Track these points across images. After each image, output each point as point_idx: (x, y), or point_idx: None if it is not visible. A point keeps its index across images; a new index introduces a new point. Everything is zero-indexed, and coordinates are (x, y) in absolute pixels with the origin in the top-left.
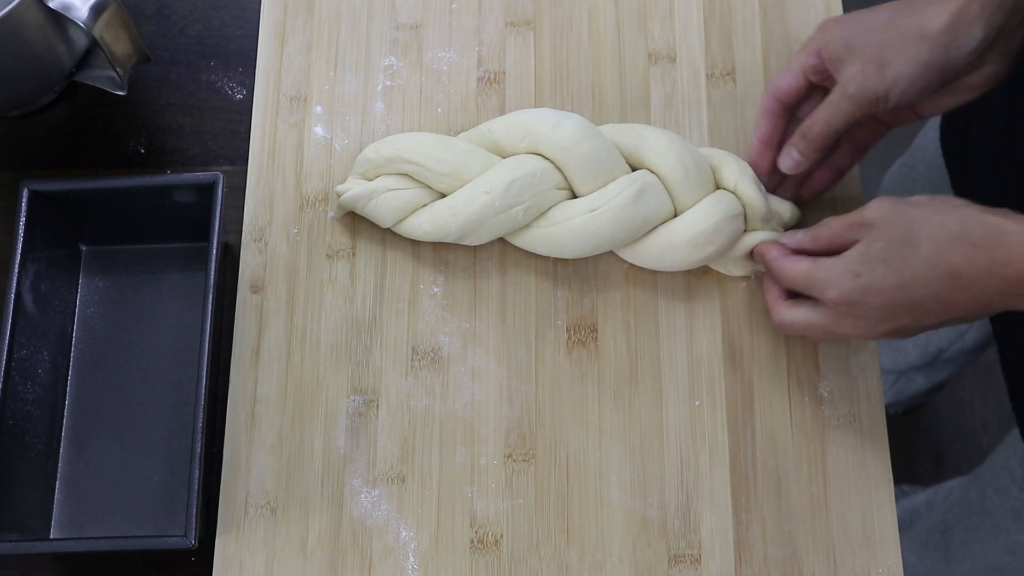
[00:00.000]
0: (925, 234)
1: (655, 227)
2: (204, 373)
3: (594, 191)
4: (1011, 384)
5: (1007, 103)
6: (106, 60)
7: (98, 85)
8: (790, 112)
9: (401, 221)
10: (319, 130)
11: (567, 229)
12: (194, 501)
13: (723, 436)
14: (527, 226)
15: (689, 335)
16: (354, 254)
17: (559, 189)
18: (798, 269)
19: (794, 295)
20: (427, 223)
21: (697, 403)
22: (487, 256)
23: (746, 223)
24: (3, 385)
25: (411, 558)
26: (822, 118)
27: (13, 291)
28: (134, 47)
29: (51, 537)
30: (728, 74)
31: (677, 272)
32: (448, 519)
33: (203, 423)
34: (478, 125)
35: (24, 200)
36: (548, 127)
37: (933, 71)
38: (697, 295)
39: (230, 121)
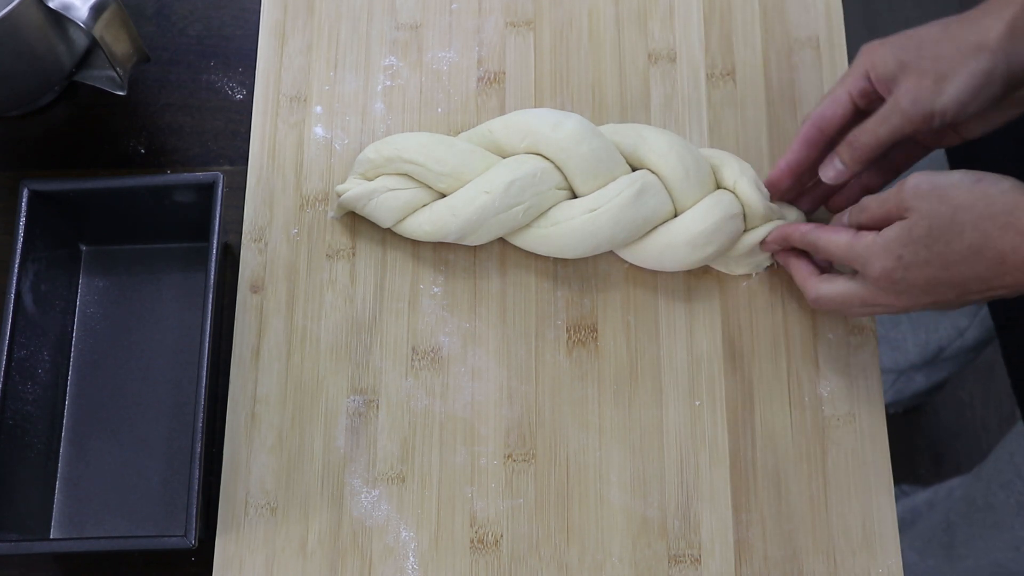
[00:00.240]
0: (970, 220)
1: (655, 227)
2: (204, 373)
3: (594, 191)
4: (1014, 377)
5: None
6: (106, 60)
7: (98, 85)
8: (830, 142)
9: (401, 221)
10: (319, 130)
11: (567, 229)
12: (194, 501)
13: (723, 436)
14: (527, 226)
15: (689, 335)
16: (354, 254)
17: (559, 189)
18: (837, 241)
19: (824, 271)
20: (427, 223)
21: (697, 403)
22: (487, 256)
23: (746, 222)
24: (3, 385)
25: (411, 558)
26: (871, 129)
27: (13, 291)
28: (134, 47)
29: (51, 537)
30: (728, 74)
31: (677, 272)
32: (448, 519)
33: (203, 423)
34: (478, 125)
35: (24, 200)
36: (548, 127)
37: (994, 82)
38: (697, 295)
39: (230, 121)
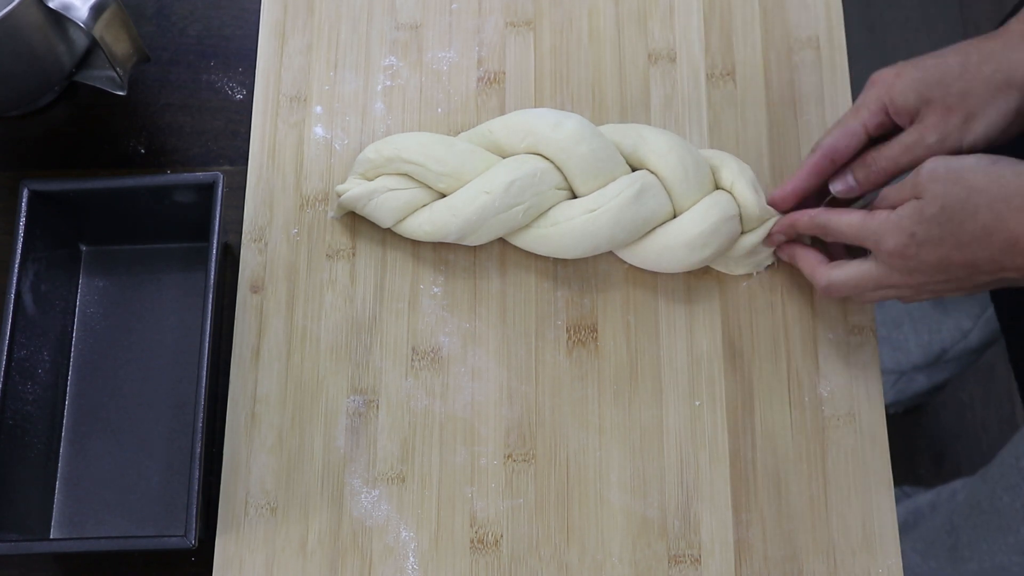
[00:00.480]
0: (984, 201)
1: (654, 228)
2: (204, 373)
3: (594, 191)
4: (1021, 379)
5: None
6: (106, 60)
7: (98, 85)
8: (839, 170)
9: (401, 221)
10: (319, 130)
11: (567, 229)
12: (194, 501)
13: (723, 436)
14: (527, 226)
15: (689, 335)
16: (354, 254)
17: (559, 189)
18: (850, 220)
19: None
20: (427, 223)
21: (697, 403)
22: (487, 256)
23: (743, 224)
24: (3, 385)
25: (411, 558)
26: (892, 157)
27: (13, 291)
28: (134, 47)
29: (51, 537)
30: (728, 74)
31: (677, 272)
32: (448, 519)
33: (203, 423)
34: (478, 125)
35: (24, 200)
36: (548, 127)
37: (1022, 118)
38: (697, 295)
39: (230, 121)
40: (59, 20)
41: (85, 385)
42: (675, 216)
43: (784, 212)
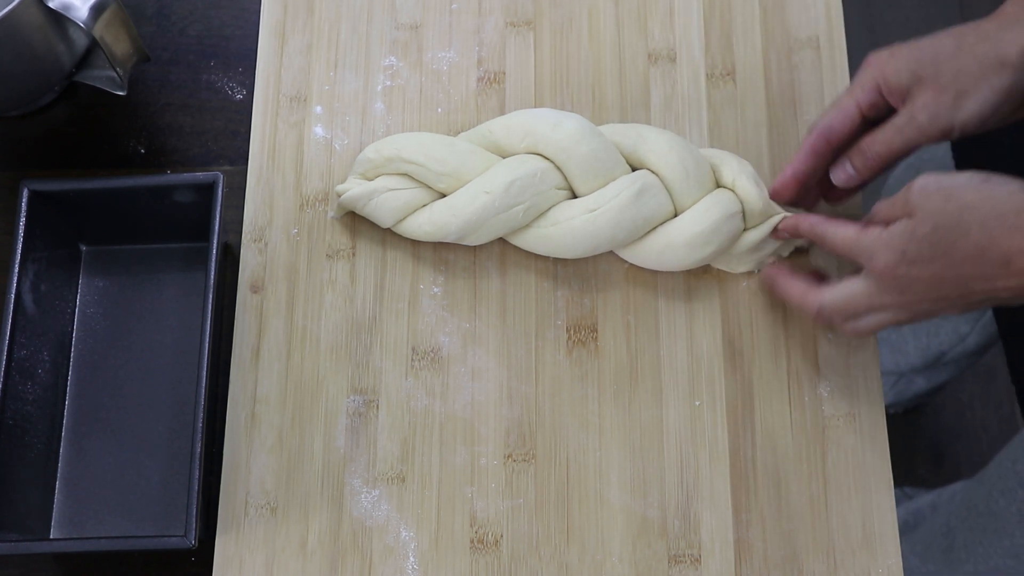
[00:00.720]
0: (976, 219)
1: (655, 227)
2: (204, 373)
3: (594, 191)
4: (1019, 385)
5: None
6: (106, 60)
7: (98, 85)
8: (836, 152)
9: (401, 221)
10: (319, 130)
11: (567, 229)
12: (194, 501)
13: (723, 436)
14: (527, 226)
15: (689, 335)
16: (354, 254)
17: (559, 189)
18: (844, 234)
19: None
20: (427, 223)
21: (697, 403)
22: (487, 256)
23: (745, 220)
24: (3, 385)
25: (411, 558)
26: (885, 140)
27: (13, 291)
28: (134, 47)
29: (51, 537)
30: (728, 74)
31: (677, 272)
32: (448, 519)
33: (203, 423)
34: (478, 125)
35: (24, 200)
36: (548, 127)
37: (1015, 97)
38: (697, 295)
39: (230, 121)
40: (59, 20)
41: (85, 385)
42: (675, 215)
43: (786, 202)
